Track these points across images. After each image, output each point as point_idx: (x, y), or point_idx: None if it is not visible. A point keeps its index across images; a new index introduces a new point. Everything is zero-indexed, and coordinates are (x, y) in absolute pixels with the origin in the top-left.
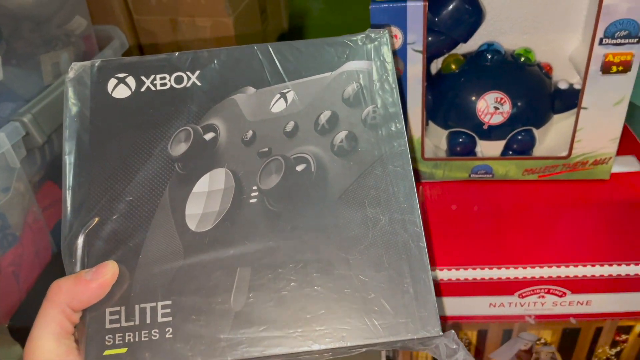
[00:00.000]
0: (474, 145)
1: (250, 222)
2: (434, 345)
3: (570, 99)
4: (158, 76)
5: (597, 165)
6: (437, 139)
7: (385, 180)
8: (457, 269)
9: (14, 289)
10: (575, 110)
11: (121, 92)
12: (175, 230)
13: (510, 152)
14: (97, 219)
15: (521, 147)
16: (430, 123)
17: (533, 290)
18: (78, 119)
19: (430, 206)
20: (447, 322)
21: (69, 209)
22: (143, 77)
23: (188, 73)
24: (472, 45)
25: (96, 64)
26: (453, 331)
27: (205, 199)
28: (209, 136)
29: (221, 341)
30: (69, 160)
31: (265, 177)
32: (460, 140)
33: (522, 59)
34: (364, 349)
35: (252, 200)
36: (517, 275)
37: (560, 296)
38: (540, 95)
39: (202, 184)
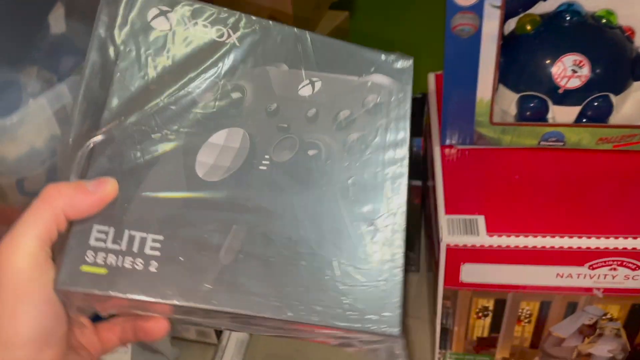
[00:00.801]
0: (546, 111)
1: (255, 187)
2: (376, 349)
3: None
4: (200, 22)
5: None
6: (506, 103)
7: (384, 187)
8: (526, 236)
9: None
10: None
11: (160, 24)
12: (183, 171)
13: (585, 120)
14: (105, 136)
15: (597, 114)
16: (499, 86)
17: (605, 262)
18: (107, 36)
19: (497, 172)
20: (509, 291)
21: (77, 117)
22: (185, 19)
23: (230, 31)
24: (549, 5)
25: None
26: (403, 338)
27: (219, 151)
28: (235, 95)
29: (202, 289)
30: (90, 70)
31: (279, 150)
32: (532, 104)
33: (604, 20)
34: (334, 340)
35: (261, 167)
36: (590, 245)
37: (634, 269)
38: (621, 60)
39: (219, 137)
